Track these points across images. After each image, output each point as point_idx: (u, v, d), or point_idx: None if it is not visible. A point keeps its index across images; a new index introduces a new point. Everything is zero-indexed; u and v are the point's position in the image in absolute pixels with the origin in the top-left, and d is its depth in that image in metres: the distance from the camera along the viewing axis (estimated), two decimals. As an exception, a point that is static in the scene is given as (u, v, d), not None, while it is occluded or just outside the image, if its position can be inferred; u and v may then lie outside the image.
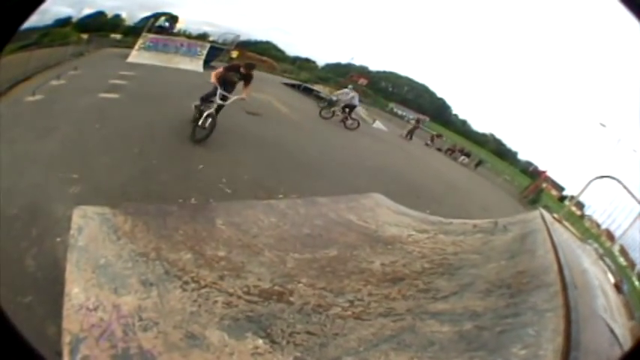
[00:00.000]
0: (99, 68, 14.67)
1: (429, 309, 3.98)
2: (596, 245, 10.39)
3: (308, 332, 3.38)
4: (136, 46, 20.33)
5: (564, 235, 7.40)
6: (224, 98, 9.10)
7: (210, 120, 8.67)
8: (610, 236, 10.96)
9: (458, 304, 4.14)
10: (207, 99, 9.24)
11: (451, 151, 17.09)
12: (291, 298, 3.88)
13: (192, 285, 3.68)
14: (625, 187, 9.38)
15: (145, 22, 23.28)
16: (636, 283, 9.89)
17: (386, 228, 6.44)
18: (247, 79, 9.90)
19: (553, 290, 4.07)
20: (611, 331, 4.09)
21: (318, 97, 26.25)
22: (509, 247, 6.22)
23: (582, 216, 12.95)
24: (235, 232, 5.07)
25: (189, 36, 26.33)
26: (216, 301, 3.53)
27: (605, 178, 9.92)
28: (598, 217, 11.05)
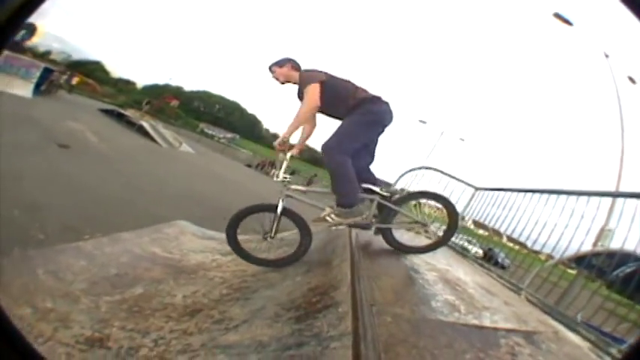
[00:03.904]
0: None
1: (220, 342, 3.85)
2: (442, 226, 10.85)
3: (126, 376, 3.42)
4: (-10, 67, 19.29)
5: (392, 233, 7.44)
6: None
7: None
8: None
9: (246, 334, 3.89)
10: None
11: (261, 166, 17.36)
12: (109, 344, 3.94)
13: (40, 339, 3.70)
14: (446, 174, 9.98)
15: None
16: (511, 244, 10.46)
17: (190, 256, 6.58)
18: None
19: (342, 311, 3.56)
20: (478, 327, 3.49)
21: (128, 122, 25.96)
22: (308, 259, 5.93)
23: (418, 204, 13.56)
24: (54, 280, 5.06)
25: (35, 53, 25.33)
26: (60, 353, 3.56)
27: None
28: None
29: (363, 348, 2.76)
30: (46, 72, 27.09)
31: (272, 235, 5.69)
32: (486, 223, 10.19)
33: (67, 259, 5.67)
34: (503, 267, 9.31)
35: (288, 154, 5.68)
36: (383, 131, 5.50)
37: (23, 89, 22.63)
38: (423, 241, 6.16)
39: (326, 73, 5.51)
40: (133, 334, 4.16)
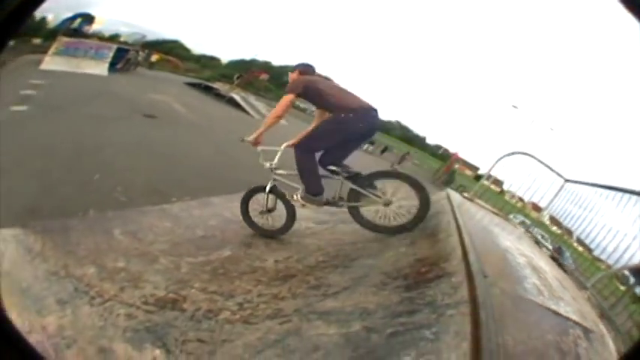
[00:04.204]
0: (15, 78, 14.08)
1: (317, 308, 3.70)
2: (522, 218, 10.41)
3: (199, 340, 3.24)
4: (50, 52, 19.75)
5: (478, 213, 7.17)
6: None
7: None
8: (536, 208, 11.04)
9: (348, 301, 3.76)
10: None
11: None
12: (184, 305, 3.75)
13: (98, 299, 3.56)
14: (540, 162, 9.52)
15: (65, 24, 22.50)
16: (579, 248, 10.00)
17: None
18: None
19: (456, 281, 3.52)
20: (556, 313, 3.59)
21: (217, 95, 26.08)
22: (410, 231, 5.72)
23: (502, 192, 13.10)
24: (132, 241, 4.92)
25: (101, 38, 25.53)
26: (119, 314, 3.42)
27: (523, 156, 9.96)
28: (520, 193, 11.10)
29: (483, 315, 2.75)
30: (121, 51, 27.38)
31: (265, 210, 6.23)
32: (562, 220, 9.83)
33: (149, 220, 5.57)
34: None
35: (283, 145, 6.10)
36: (360, 137, 6.01)
37: (97, 68, 22.75)
38: (395, 221, 5.93)
39: (308, 81, 5.93)
40: (214, 297, 3.94)
